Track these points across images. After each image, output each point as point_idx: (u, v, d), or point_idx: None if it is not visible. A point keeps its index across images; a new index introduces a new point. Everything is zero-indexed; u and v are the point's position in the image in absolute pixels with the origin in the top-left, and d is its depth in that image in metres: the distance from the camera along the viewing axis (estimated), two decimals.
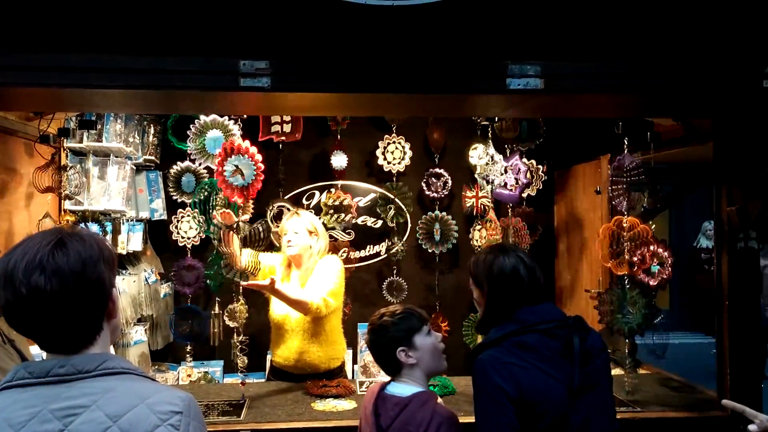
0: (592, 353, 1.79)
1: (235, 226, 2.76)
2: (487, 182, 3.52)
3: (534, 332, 1.78)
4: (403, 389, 1.95)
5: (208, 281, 3.66)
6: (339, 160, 4.08)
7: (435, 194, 4.21)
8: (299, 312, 2.99)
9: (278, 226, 3.47)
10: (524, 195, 3.90)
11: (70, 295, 1.12)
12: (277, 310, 3.13)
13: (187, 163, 3.76)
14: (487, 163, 3.48)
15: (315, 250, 3.14)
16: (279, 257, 3.28)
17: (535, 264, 1.92)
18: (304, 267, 3.14)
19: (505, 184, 3.59)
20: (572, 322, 1.83)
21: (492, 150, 3.49)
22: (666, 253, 2.87)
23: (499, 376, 1.71)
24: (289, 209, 4.11)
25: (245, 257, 2.79)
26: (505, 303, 1.87)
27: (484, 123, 3.94)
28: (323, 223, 3.61)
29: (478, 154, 3.78)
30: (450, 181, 4.24)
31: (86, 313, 1.16)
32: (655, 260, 2.88)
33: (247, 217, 2.86)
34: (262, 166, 2.72)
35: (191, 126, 3.10)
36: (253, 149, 2.72)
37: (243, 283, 2.75)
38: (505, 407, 1.69)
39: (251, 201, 2.93)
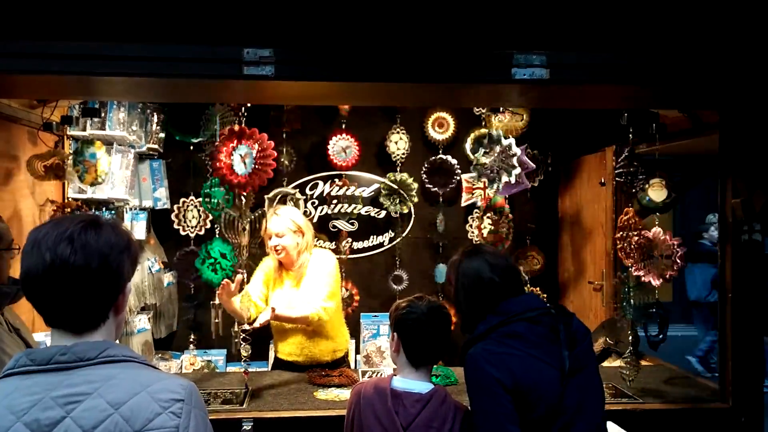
0: (577, 337, 1.82)
1: (238, 216, 2.76)
2: (489, 178, 3.47)
3: (521, 321, 1.79)
4: (415, 385, 1.91)
5: (202, 277, 3.67)
6: (345, 151, 4.08)
7: (436, 189, 4.21)
8: (302, 325, 3.00)
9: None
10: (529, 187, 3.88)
11: (89, 273, 1.15)
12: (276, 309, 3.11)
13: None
14: (487, 152, 3.45)
15: (303, 247, 3.07)
16: (269, 262, 3.20)
17: (503, 263, 1.92)
18: (296, 266, 3.09)
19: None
20: (555, 310, 1.86)
21: (496, 132, 3.44)
22: (674, 243, 2.85)
23: (492, 367, 1.72)
24: (293, 199, 4.12)
25: (238, 302, 2.78)
26: (474, 303, 1.90)
27: (488, 114, 3.93)
28: (306, 214, 3.55)
29: (479, 146, 3.75)
30: (459, 171, 4.24)
31: (98, 296, 1.18)
32: (656, 253, 2.86)
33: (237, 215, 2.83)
34: (275, 153, 2.69)
35: (203, 116, 3.09)
36: (262, 135, 2.69)
37: (256, 325, 2.75)
38: (501, 398, 1.70)
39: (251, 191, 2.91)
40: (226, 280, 2.74)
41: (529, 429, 1.71)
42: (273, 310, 2.77)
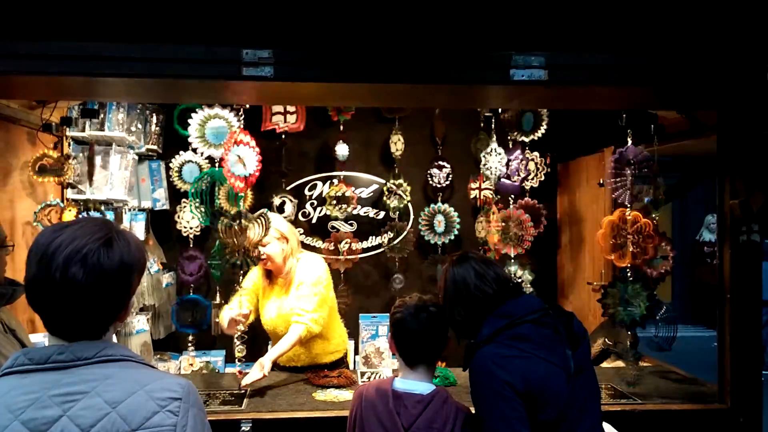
0: (579, 336, 1.83)
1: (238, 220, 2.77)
2: (490, 174, 3.50)
3: (525, 323, 1.79)
4: (417, 386, 1.90)
5: (212, 271, 3.67)
6: (342, 151, 4.08)
7: (438, 185, 4.22)
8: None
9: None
10: (527, 187, 3.89)
11: (98, 293, 1.15)
12: (267, 316, 3.10)
13: (189, 153, 3.78)
14: (489, 153, 3.47)
15: (288, 252, 3.04)
16: (255, 272, 3.18)
17: (490, 268, 1.92)
18: (284, 273, 3.06)
19: (508, 176, 3.58)
20: (552, 310, 1.86)
21: (494, 144, 3.47)
22: (668, 247, 2.87)
23: (504, 371, 1.71)
24: (290, 200, 4.12)
25: (236, 305, 2.81)
26: (462, 311, 1.90)
27: (487, 114, 3.93)
28: (288, 219, 3.52)
29: (482, 146, 3.77)
30: (451, 173, 4.25)
31: (103, 312, 1.19)
32: (658, 253, 2.87)
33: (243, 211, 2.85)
34: (260, 157, 2.74)
35: (192, 115, 3.11)
36: (249, 143, 2.73)
37: (246, 381, 2.72)
38: (513, 402, 1.69)
39: (250, 191, 2.93)
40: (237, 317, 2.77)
41: (537, 431, 1.70)
42: (264, 375, 2.74)
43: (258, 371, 2.74)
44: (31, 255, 1.16)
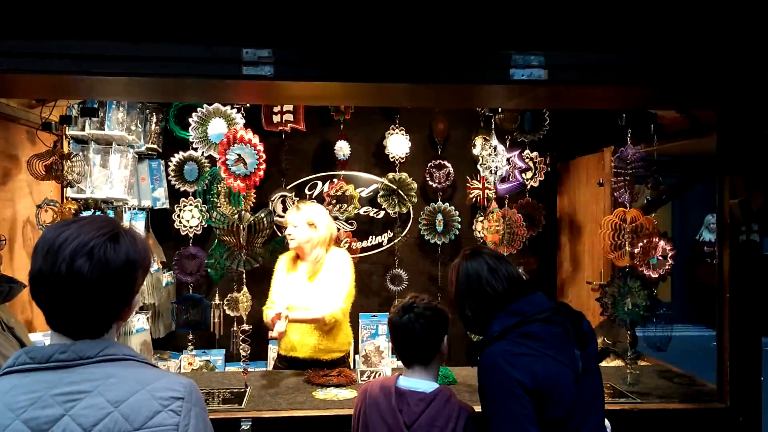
0: (588, 336, 1.84)
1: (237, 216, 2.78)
2: (490, 173, 3.49)
3: (536, 321, 1.79)
4: (420, 384, 1.91)
5: (209, 270, 3.69)
6: (344, 149, 4.08)
7: (438, 185, 4.22)
8: (315, 324, 3.09)
9: (282, 216, 3.48)
10: (527, 187, 3.89)
11: (102, 288, 1.15)
12: (286, 299, 3.14)
13: (189, 151, 3.78)
14: (489, 154, 3.47)
15: (316, 242, 3.16)
16: (283, 264, 3.31)
17: (503, 264, 1.93)
18: (309, 258, 3.17)
19: (507, 176, 3.58)
20: (562, 309, 1.86)
21: (495, 141, 3.47)
22: (668, 246, 2.87)
23: (513, 368, 1.70)
24: (292, 201, 4.13)
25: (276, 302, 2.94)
26: (474, 305, 1.91)
27: (488, 114, 3.93)
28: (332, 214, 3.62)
29: (481, 145, 3.77)
30: (452, 172, 4.25)
31: (107, 308, 1.19)
32: (656, 252, 2.87)
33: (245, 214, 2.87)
34: (264, 156, 2.74)
35: (193, 114, 3.11)
36: (255, 138, 2.72)
37: (272, 335, 2.89)
38: (522, 399, 1.68)
39: (253, 190, 2.95)
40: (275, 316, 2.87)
41: (544, 429, 1.70)
42: (281, 316, 2.85)
43: (282, 324, 2.86)
44: (38, 249, 1.16)
